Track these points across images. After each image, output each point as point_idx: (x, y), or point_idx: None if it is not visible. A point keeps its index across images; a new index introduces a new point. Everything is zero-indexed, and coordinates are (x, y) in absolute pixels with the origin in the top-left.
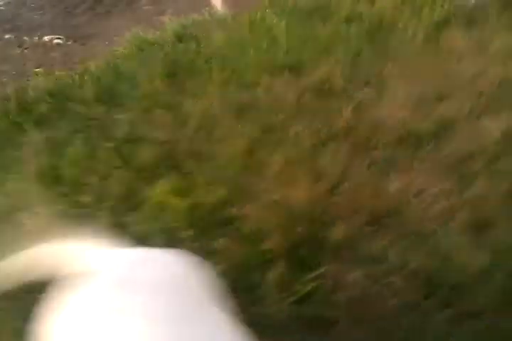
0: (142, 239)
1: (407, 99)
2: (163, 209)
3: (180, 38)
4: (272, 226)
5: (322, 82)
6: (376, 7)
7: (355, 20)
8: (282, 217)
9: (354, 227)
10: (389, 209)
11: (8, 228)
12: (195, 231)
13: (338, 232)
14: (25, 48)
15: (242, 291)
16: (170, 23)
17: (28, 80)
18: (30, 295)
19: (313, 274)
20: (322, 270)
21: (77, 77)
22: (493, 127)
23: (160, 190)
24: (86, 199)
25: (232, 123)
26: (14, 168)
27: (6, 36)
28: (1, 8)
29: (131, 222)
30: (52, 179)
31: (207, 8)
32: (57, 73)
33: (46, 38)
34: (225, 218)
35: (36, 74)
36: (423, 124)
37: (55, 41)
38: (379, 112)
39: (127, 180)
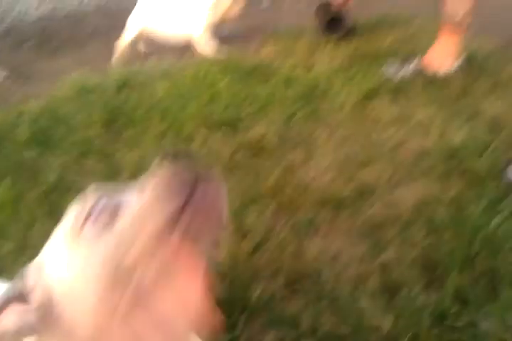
0: None
1: (332, 163)
2: None
3: (122, 85)
4: None
5: (256, 141)
6: (312, 73)
7: (293, 84)
8: None
9: (271, 289)
10: (306, 271)
11: None
12: None
13: (255, 293)
14: None
15: None
16: (114, 69)
17: None
18: None
19: (227, 338)
20: (237, 333)
21: (13, 115)
22: (408, 195)
23: None
24: (8, 246)
25: None
26: None
27: None
28: None
29: None
30: None
31: (152, 57)
32: None
33: None
34: None
35: None
36: (344, 188)
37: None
38: (306, 174)
39: (52, 229)
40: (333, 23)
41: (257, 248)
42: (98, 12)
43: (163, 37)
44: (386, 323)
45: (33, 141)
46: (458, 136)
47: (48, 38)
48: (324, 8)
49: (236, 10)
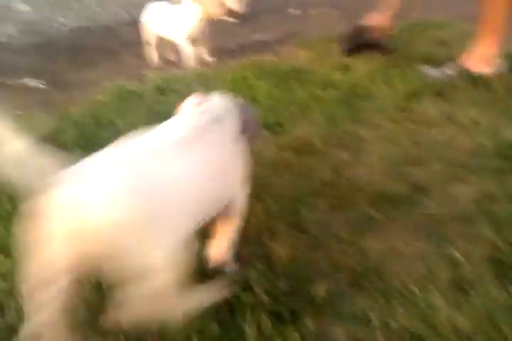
0: None
1: (382, 162)
2: None
3: (161, 90)
4: (253, 279)
5: (301, 141)
6: (350, 75)
7: (331, 86)
8: (262, 271)
9: (336, 285)
10: (370, 267)
11: None
12: None
13: (319, 289)
14: (5, 90)
15: None
16: (152, 76)
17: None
18: None
19: (294, 327)
20: (304, 323)
21: (56, 120)
22: (465, 192)
23: None
24: None
25: None
26: None
27: None
28: None
29: None
30: None
31: (189, 64)
32: (37, 116)
33: (26, 81)
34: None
35: (15, 117)
36: (399, 186)
37: (35, 85)
38: (357, 172)
39: None
40: (364, 47)
41: (315, 244)
42: (130, 24)
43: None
44: (460, 320)
45: (78, 143)
46: (508, 133)
47: (82, 50)
48: (359, 32)
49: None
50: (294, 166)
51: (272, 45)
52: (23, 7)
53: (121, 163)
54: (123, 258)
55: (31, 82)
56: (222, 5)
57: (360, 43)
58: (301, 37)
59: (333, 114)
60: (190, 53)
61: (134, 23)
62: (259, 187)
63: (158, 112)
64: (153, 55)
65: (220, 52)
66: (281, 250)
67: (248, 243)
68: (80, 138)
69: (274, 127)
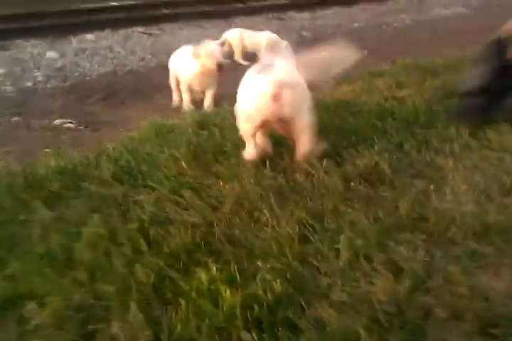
0: None
1: (471, 191)
2: (212, 302)
3: (201, 125)
4: (348, 328)
5: (368, 171)
6: (407, 105)
7: (389, 115)
8: (359, 317)
9: (461, 334)
10: (495, 313)
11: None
12: (252, 334)
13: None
14: (34, 130)
15: None
16: (190, 112)
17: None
18: None
19: None
20: None
21: (92, 156)
22: None
23: (205, 278)
24: (108, 288)
25: (272, 208)
26: (19, 247)
27: (14, 119)
28: (11, 94)
29: (167, 319)
30: (65, 263)
31: (224, 102)
32: (68, 153)
33: (56, 122)
34: (288, 319)
35: (46, 154)
36: (501, 217)
37: (66, 125)
38: (445, 203)
39: (156, 266)
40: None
41: (420, 285)
42: (159, 68)
43: None
44: None
45: (116, 178)
46: None
47: (113, 92)
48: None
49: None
50: (368, 197)
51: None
52: (52, 54)
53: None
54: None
55: (62, 123)
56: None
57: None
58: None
59: (399, 143)
60: (185, 99)
61: (162, 68)
62: (334, 221)
63: (201, 144)
64: (175, 97)
65: None
66: (380, 293)
67: (334, 284)
68: (119, 172)
69: (333, 157)
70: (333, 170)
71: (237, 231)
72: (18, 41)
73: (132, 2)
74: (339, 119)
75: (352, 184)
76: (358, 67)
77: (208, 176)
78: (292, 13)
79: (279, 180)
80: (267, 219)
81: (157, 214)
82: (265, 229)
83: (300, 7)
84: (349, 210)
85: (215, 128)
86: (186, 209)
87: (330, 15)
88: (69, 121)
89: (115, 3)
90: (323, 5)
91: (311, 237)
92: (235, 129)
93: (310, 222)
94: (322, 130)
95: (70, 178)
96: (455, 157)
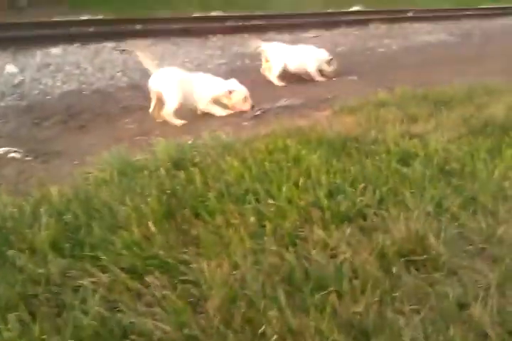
0: None
1: None
2: None
3: (178, 163)
4: None
5: (409, 246)
6: (432, 146)
7: (411, 159)
8: None
9: None
10: None
11: None
12: None
13: None
14: None
15: None
16: (161, 144)
17: None
18: None
19: None
20: None
21: (28, 206)
22: None
23: None
24: None
25: (282, 310)
26: None
27: None
28: None
29: None
30: None
31: (205, 132)
32: (3, 197)
33: (0, 151)
34: None
35: None
36: None
37: (10, 155)
38: None
39: None
40: None
41: None
42: (130, 88)
43: None
44: None
45: (56, 245)
46: None
47: (75, 114)
48: None
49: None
50: (421, 293)
51: (301, 110)
52: (11, 68)
53: None
54: None
55: (7, 152)
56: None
57: None
58: (332, 102)
59: (441, 199)
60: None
61: (133, 87)
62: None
63: (177, 193)
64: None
65: (240, 117)
66: None
67: None
68: (62, 235)
69: (355, 219)
70: (360, 240)
71: None
72: None
73: (104, 17)
74: (351, 162)
75: (394, 269)
76: (349, 93)
77: (184, 245)
78: (272, 35)
79: (286, 257)
80: (275, 333)
81: (105, 318)
82: None
83: (279, 28)
84: (400, 319)
85: (194, 168)
86: (151, 307)
87: (311, 38)
88: (14, 149)
89: (86, 17)
90: (303, 27)
91: None
92: (220, 170)
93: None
94: (331, 179)
95: None
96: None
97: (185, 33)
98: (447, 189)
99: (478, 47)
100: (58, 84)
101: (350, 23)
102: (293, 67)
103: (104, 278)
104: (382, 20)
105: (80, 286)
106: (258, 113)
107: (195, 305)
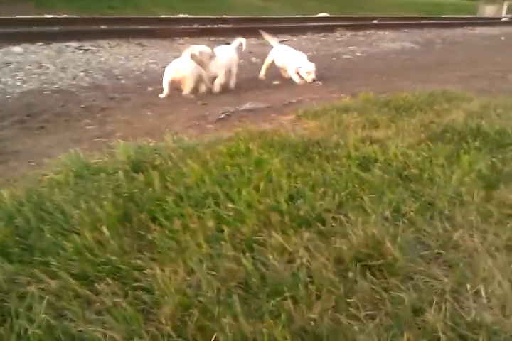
0: None
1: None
2: None
3: (137, 166)
4: None
5: (366, 250)
6: (392, 152)
7: (371, 165)
8: None
9: None
10: None
11: None
12: None
13: None
14: None
15: None
16: (121, 146)
17: None
18: None
19: None
20: None
21: None
22: None
23: None
24: None
25: (236, 318)
26: None
27: None
28: None
29: None
30: None
31: (167, 134)
32: None
33: None
34: None
35: None
36: None
37: None
38: (484, 316)
39: None
40: None
41: None
42: (93, 88)
43: None
44: None
45: (6, 249)
46: None
47: (34, 114)
48: None
49: None
50: (377, 298)
51: (265, 114)
52: None
53: None
54: None
55: None
56: None
57: None
58: (296, 106)
59: (397, 205)
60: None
61: (96, 88)
62: None
63: (134, 197)
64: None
65: (204, 120)
66: None
67: None
68: (13, 239)
69: (314, 224)
70: (318, 245)
71: None
72: None
73: (68, 16)
74: (313, 166)
75: (350, 274)
76: (314, 98)
77: (138, 250)
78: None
79: (243, 262)
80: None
81: (52, 327)
82: None
83: (246, 32)
84: (354, 327)
85: (154, 171)
86: (101, 315)
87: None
88: None
89: (50, 16)
90: (269, 32)
91: None
92: (180, 173)
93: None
94: (291, 183)
95: None
96: (477, 230)
97: (151, 34)
98: (405, 194)
99: (440, 55)
100: (18, 83)
101: (316, 29)
102: (279, 63)
103: (53, 284)
104: (348, 27)
105: (26, 293)
106: (222, 116)
107: (147, 313)
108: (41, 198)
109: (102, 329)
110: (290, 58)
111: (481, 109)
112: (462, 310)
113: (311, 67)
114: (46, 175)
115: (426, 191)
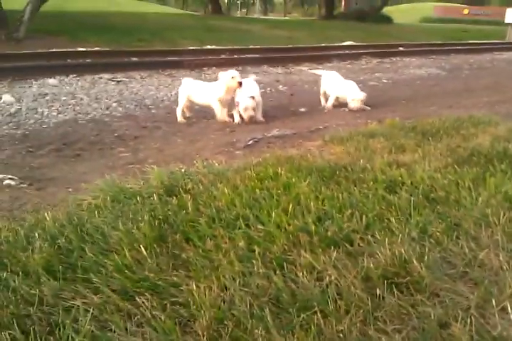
0: None
1: None
2: None
3: (170, 190)
4: None
5: (393, 269)
6: (419, 175)
7: (398, 188)
8: None
9: None
10: None
11: None
12: None
13: None
14: None
15: None
16: (155, 172)
17: None
18: None
19: None
20: None
21: (22, 231)
22: None
23: None
24: None
25: (268, 330)
26: None
27: None
28: None
29: None
30: None
31: (198, 160)
32: None
33: None
34: None
35: None
36: None
37: (6, 182)
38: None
39: None
40: None
41: None
42: (125, 118)
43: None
44: None
45: (49, 268)
46: None
47: (69, 143)
48: None
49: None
50: (404, 313)
51: (292, 140)
52: (8, 98)
53: None
54: None
55: (2, 179)
56: None
57: None
58: (323, 132)
59: (424, 226)
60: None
61: (128, 117)
62: None
63: (169, 219)
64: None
65: (232, 147)
66: None
67: None
68: (56, 258)
69: (342, 244)
70: (346, 264)
71: None
72: None
73: (100, 48)
74: (340, 190)
75: (378, 291)
76: (340, 124)
77: (174, 268)
78: (265, 67)
79: (274, 279)
80: None
81: (97, 337)
82: None
83: (273, 61)
84: (382, 338)
85: (186, 195)
86: (141, 327)
87: (304, 71)
88: (9, 176)
89: (82, 49)
90: (295, 61)
91: None
92: (211, 196)
93: None
94: (321, 203)
95: None
96: (503, 250)
97: (180, 65)
98: (432, 215)
99: (467, 81)
100: (54, 113)
101: (342, 57)
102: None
103: (96, 299)
104: (374, 54)
105: (72, 307)
106: (250, 142)
107: (184, 326)
108: (81, 221)
109: (142, 340)
110: (341, 87)
111: (507, 133)
112: (488, 325)
113: (361, 95)
114: (84, 200)
115: (452, 213)
